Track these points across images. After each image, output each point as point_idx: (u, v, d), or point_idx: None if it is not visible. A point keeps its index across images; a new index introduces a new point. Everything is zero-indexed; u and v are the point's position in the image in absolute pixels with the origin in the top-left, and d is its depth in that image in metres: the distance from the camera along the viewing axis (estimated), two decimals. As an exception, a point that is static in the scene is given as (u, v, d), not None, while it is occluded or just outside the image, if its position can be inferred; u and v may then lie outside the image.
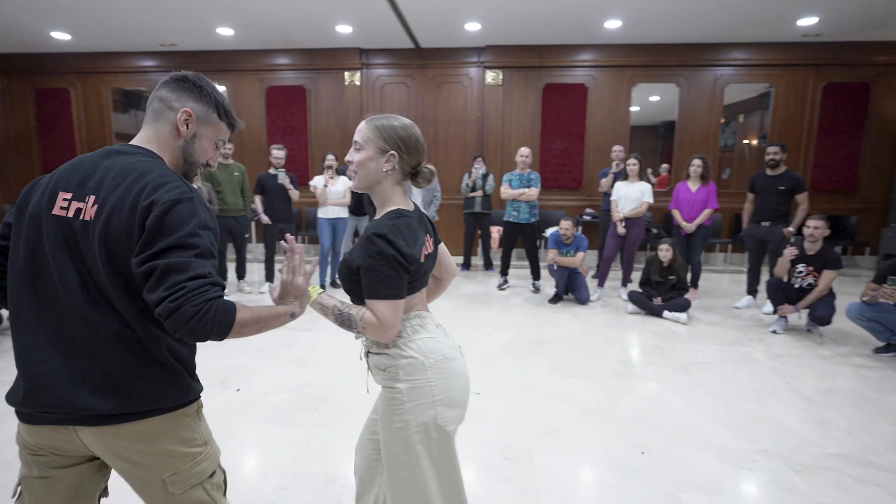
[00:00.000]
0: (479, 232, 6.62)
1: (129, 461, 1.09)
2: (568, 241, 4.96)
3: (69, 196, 1.06)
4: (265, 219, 5.38)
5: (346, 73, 7.52)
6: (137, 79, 7.88)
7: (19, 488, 1.15)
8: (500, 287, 5.65)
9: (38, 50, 7.62)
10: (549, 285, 5.54)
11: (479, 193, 6.35)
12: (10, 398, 1.10)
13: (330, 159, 5.49)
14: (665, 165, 7.42)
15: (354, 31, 6.55)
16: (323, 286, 5.60)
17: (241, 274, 5.54)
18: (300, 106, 7.66)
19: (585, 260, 5.06)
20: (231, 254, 5.78)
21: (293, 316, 1.16)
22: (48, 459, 1.11)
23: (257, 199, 5.39)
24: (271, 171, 5.41)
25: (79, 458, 1.13)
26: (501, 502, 2.01)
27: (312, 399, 2.86)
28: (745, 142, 7.30)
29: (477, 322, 4.42)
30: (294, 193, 5.43)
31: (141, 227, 1.00)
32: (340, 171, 5.83)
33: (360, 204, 5.80)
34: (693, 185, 5.00)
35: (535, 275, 5.57)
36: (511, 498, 2.04)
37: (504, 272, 5.72)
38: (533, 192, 5.28)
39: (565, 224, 4.91)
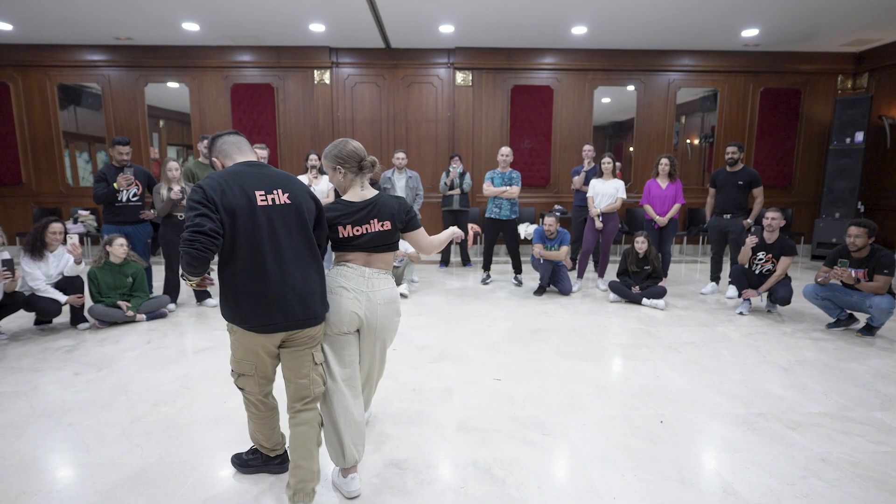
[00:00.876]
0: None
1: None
2: (552, 236, 5.23)
3: (263, 192, 1.80)
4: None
5: (316, 72, 7.46)
6: (86, 74, 7.42)
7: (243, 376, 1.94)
8: (484, 282, 5.85)
9: (-27, 41, 7.01)
10: (530, 278, 5.80)
11: (456, 191, 6.52)
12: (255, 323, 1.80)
13: (313, 159, 5.46)
14: (616, 164, 7.88)
15: (327, 29, 6.53)
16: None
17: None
18: (268, 104, 7.52)
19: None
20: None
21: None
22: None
23: None
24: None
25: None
26: (557, 470, 2.18)
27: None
28: (688, 141, 7.91)
29: (473, 314, 4.58)
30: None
31: (317, 204, 1.95)
32: (323, 170, 5.82)
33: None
34: (663, 182, 5.42)
35: (517, 269, 5.80)
36: (563, 466, 2.22)
37: (486, 267, 5.92)
38: (514, 189, 5.51)
39: (549, 220, 5.17)
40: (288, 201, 1.82)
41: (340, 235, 1.99)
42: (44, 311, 3.95)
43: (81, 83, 7.47)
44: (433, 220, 7.47)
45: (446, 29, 6.52)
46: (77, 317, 4.16)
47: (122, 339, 3.87)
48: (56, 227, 3.99)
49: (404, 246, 5.55)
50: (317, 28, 6.47)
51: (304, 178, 5.42)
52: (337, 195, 5.64)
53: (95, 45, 7.23)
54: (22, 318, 4.21)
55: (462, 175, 6.55)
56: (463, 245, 6.87)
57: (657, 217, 5.38)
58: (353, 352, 2.05)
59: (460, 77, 7.49)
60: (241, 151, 1.91)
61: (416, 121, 7.62)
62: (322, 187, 5.49)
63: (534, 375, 3.20)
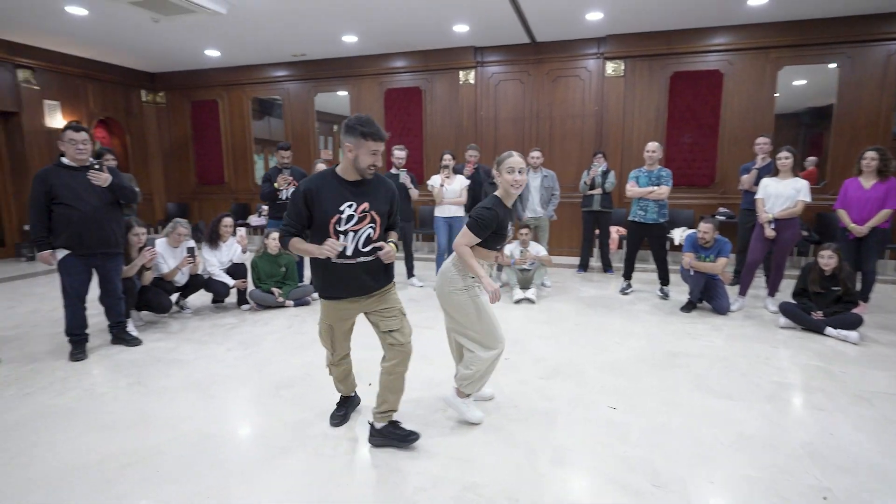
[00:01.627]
0: (598, 231, 6.30)
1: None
2: (707, 245, 4.50)
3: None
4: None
5: (461, 73, 7.55)
6: (272, 88, 8.60)
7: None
8: (624, 291, 5.31)
9: (194, 67, 8.62)
10: (679, 291, 5.09)
11: (598, 191, 6.04)
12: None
13: (447, 159, 5.52)
14: (812, 158, 6.48)
15: (471, 29, 6.54)
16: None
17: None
18: (416, 107, 7.85)
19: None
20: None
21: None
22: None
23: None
24: (392, 170, 5.58)
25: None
26: (656, 535, 1.82)
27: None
28: (926, 128, 6.13)
29: (603, 328, 4.17)
30: (414, 192, 5.55)
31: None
32: (457, 169, 5.86)
33: (476, 202, 5.78)
34: (867, 182, 4.28)
35: (664, 279, 5.14)
36: (667, 531, 1.84)
37: (628, 276, 5.36)
38: (662, 190, 4.87)
39: (705, 227, 4.46)
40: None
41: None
42: (216, 292, 4.66)
43: (270, 97, 8.68)
44: (574, 220, 7.04)
45: (594, 16, 6.05)
46: (242, 299, 4.82)
47: (270, 322, 4.37)
48: (227, 221, 4.67)
49: (536, 249, 5.31)
50: (461, 29, 6.53)
51: (437, 178, 5.52)
52: (474, 196, 5.64)
53: (278, 63, 8.33)
54: (204, 297, 5.01)
55: (605, 173, 6.04)
56: (604, 249, 6.34)
57: (852, 225, 4.27)
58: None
59: (611, 67, 6.91)
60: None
61: (560, 117, 7.25)
62: (455, 187, 5.52)
63: (659, 409, 2.75)
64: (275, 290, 4.75)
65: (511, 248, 5.40)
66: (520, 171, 2.46)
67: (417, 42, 7.22)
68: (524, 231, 5.31)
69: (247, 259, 4.86)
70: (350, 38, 6.97)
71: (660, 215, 4.95)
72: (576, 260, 6.69)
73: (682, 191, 6.83)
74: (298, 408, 2.79)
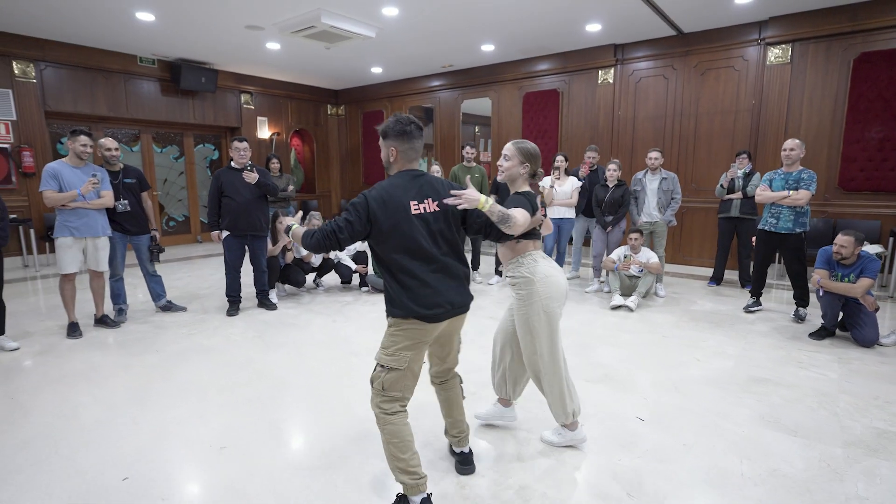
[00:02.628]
0: (737, 241, 5.59)
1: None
2: (845, 262, 3.75)
3: (416, 202, 1.90)
4: (497, 217, 5.83)
5: (600, 72, 7.36)
6: (426, 97, 9.50)
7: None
8: (748, 309, 4.67)
9: (364, 83, 10.02)
10: (817, 315, 4.30)
11: (737, 195, 5.36)
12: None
13: (559, 160, 5.54)
14: None
15: (604, 27, 6.37)
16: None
17: (475, 265, 6.16)
18: (552, 109, 7.88)
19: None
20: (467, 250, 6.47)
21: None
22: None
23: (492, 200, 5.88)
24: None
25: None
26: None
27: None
28: None
29: (691, 344, 3.81)
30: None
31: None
32: (575, 171, 5.82)
33: (589, 205, 5.69)
34: None
35: (801, 300, 4.39)
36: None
37: (756, 292, 4.70)
38: (800, 195, 4.17)
39: (843, 240, 3.72)
40: (437, 209, 1.93)
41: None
42: (342, 275, 5.54)
43: (425, 105, 9.62)
44: (708, 227, 6.34)
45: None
46: (363, 282, 5.61)
47: (378, 303, 5.02)
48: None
49: (646, 255, 5.03)
50: (593, 28, 6.40)
51: (548, 180, 5.57)
52: (587, 198, 5.55)
53: (431, 75, 9.17)
54: (337, 278, 5.93)
55: (748, 175, 5.34)
56: (743, 261, 5.58)
57: None
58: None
59: (774, 54, 6.00)
60: (413, 161, 1.99)
61: (707, 113, 6.55)
62: (566, 188, 5.51)
63: (691, 429, 2.54)
64: (388, 276, 5.42)
65: (618, 252, 5.20)
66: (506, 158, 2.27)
67: (554, 45, 7.27)
68: (634, 236, 5.06)
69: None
70: (487, 47, 7.37)
71: (796, 224, 4.25)
72: (709, 271, 6.02)
73: (866, 197, 5.61)
74: (360, 375, 3.30)
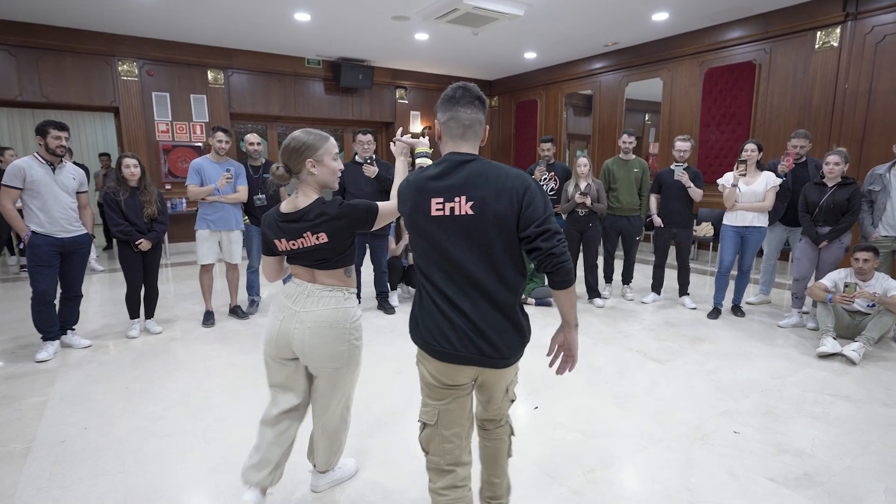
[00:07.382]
0: None
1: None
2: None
3: (441, 200, 1.39)
4: (657, 221, 4.75)
5: (819, 33, 5.60)
6: (585, 82, 8.48)
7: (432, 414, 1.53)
8: None
9: (518, 71, 9.38)
10: None
11: None
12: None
13: (749, 150, 4.23)
14: None
15: (831, -30, 4.73)
16: (719, 309, 4.45)
17: (627, 278, 5.14)
18: (745, 87, 6.30)
19: None
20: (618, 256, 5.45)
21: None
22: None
23: (652, 199, 4.81)
24: (672, 166, 4.69)
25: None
26: None
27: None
28: None
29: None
30: (696, 192, 4.53)
31: (520, 204, 1.35)
32: (771, 166, 4.45)
33: (792, 210, 4.28)
34: None
35: None
36: None
37: None
38: None
39: (863, 255, 1.95)
40: (470, 211, 1.37)
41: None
42: (409, 281, 5.01)
43: (582, 91, 8.61)
44: None
45: None
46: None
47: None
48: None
49: (883, 284, 3.55)
50: (813, -27, 4.81)
51: (729, 176, 4.31)
52: (789, 201, 4.16)
53: (591, 56, 8.13)
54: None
55: None
56: None
57: None
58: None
59: None
60: (459, 139, 1.46)
61: None
62: (756, 187, 4.24)
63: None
64: (518, 285, 4.76)
65: (834, 277, 3.76)
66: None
67: (751, 3, 5.73)
68: (865, 256, 3.59)
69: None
70: (660, 16, 6.13)
71: None
72: None
73: None
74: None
